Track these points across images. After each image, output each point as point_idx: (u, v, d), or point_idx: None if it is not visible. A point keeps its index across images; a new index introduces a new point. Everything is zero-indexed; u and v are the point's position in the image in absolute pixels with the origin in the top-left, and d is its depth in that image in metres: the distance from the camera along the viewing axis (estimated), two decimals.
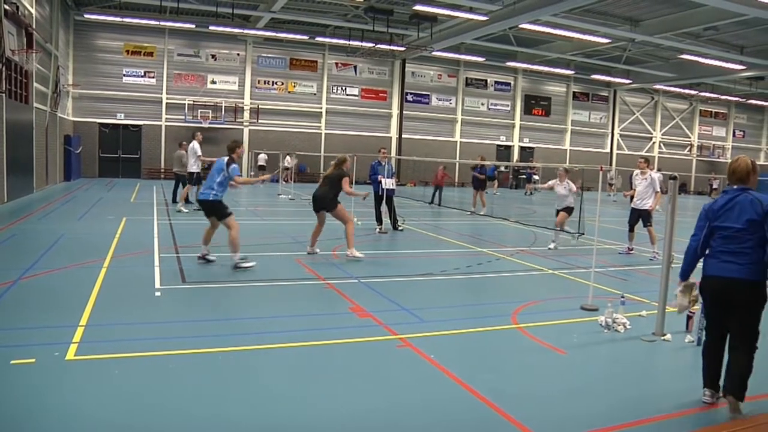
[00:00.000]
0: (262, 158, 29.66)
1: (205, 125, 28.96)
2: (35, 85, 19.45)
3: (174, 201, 17.15)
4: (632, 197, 11.53)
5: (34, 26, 18.67)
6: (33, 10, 19.04)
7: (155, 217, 13.90)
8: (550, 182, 12.24)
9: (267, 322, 6.13)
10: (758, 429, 3.49)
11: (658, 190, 11.05)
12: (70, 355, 4.83)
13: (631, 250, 11.62)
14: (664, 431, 3.94)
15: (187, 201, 16.86)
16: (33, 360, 4.65)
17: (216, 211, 8.79)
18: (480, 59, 33.15)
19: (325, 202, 10.03)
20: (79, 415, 3.84)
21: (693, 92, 40.11)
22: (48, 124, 21.52)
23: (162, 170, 29.82)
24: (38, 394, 4.07)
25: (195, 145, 15.77)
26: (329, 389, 4.44)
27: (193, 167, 15.83)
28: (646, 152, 42.20)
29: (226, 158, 8.91)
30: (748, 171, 4.39)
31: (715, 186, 39.14)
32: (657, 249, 10.75)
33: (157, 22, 27.39)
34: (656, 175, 11.10)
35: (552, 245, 11.71)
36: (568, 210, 11.87)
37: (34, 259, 8.49)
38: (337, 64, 33.34)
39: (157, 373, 4.58)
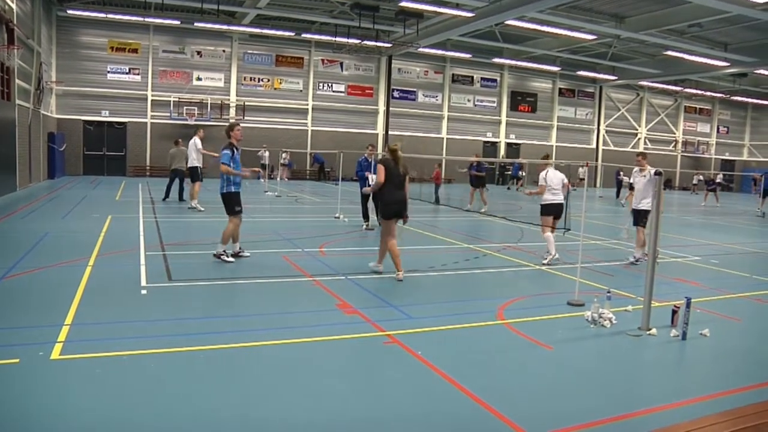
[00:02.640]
0: (265, 156, 29.20)
1: (191, 122, 28.77)
2: (17, 81, 19.19)
3: (165, 197, 17.13)
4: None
5: (15, 22, 18.42)
6: (14, 6, 18.78)
7: (141, 215, 13.79)
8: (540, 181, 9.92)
9: (253, 319, 6.11)
10: (740, 421, 3.53)
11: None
12: (55, 354, 4.78)
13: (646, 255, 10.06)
14: (651, 425, 3.97)
15: (180, 199, 16.84)
16: (17, 360, 4.60)
17: (224, 204, 8.97)
18: (466, 56, 33.18)
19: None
20: (65, 415, 3.81)
21: (678, 89, 40.46)
22: (31, 121, 21.26)
23: (147, 168, 29.59)
24: (23, 395, 4.02)
25: (196, 140, 15.66)
26: (316, 386, 4.43)
27: (195, 162, 15.71)
28: (631, 148, 42.52)
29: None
30: None
31: (695, 182, 39.50)
32: (642, 253, 9.75)
33: (142, 19, 27.14)
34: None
35: (554, 256, 9.77)
36: (560, 209, 9.88)
37: (17, 258, 8.39)
38: (323, 60, 33.22)
39: (143, 371, 4.55)
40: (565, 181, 9.96)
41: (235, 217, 8.89)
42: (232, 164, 8.73)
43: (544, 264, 9.64)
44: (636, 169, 10.49)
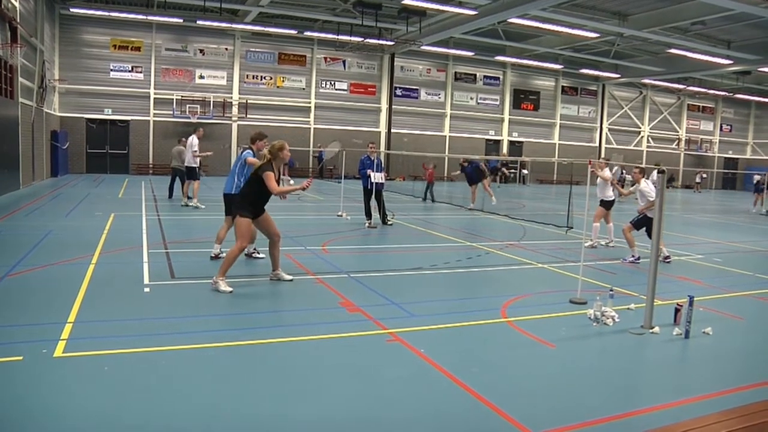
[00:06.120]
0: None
1: (194, 120, 28.80)
2: (20, 80, 19.23)
3: (170, 197, 17.13)
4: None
5: (18, 20, 18.46)
6: (17, 4, 18.80)
7: (144, 213, 13.81)
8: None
9: (256, 317, 6.12)
10: (748, 419, 3.52)
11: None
12: (59, 352, 4.79)
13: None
14: (653, 423, 3.97)
15: (188, 197, 16.84)
16: (20, 358, 4.61)
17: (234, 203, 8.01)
18: (469, 54, 33.15)
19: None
20: (68, 413, 3.82)
21: (681, 86, 40.38)
22: (34, 119, 21.30)
23: (150, 166, 29.63)
24: (26, 392, 4.04)
25: (193, 139, 15.57)
26: (318, 384, 4.43)
27: (191, 162, 15.67)
28: (634, 146, 42.46)
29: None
30: None
31: (698, 180, 39.30)
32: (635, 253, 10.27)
33: (144, 17, 27.18)
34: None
35: (599, 242, 11.69)
36: (604, 205, 11.95)
37: (20, 256, 8.41)
38: (325, 58, 33.21)
39: (146, 369, 4.56)
40: (606, 176, 11.88)
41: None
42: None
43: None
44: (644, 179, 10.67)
